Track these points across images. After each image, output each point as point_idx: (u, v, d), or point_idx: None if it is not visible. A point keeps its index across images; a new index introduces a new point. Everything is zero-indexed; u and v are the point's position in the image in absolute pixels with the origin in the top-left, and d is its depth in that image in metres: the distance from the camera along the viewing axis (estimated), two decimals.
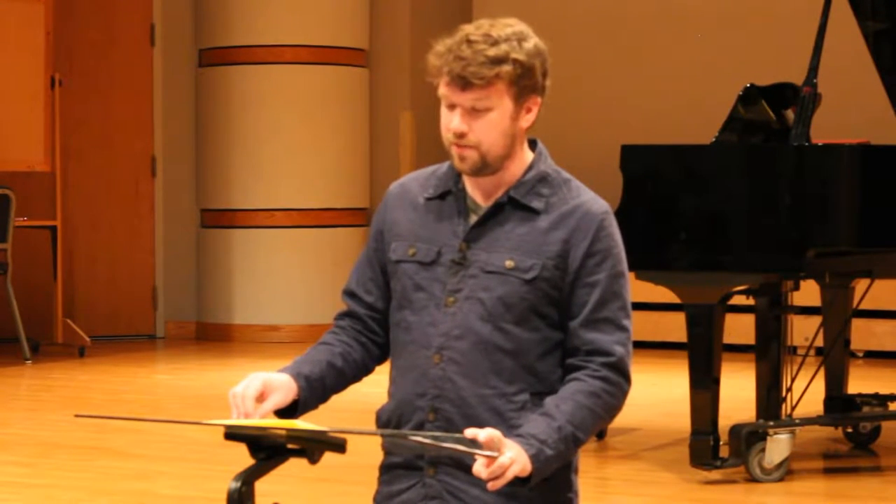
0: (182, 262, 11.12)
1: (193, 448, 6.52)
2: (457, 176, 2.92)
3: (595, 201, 2.89)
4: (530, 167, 2.90)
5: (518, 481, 2.68)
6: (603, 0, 11.42)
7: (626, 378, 2.86)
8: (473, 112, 2.80)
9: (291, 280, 10.48)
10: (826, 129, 6.59)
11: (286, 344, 10.33)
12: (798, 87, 6.10)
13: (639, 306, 9.58)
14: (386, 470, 2.96)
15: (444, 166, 2.96)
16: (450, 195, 2.92)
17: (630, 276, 6.04)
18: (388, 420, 2.94)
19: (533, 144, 2.95)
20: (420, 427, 2.86)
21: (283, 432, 2.56)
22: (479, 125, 2.81)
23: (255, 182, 10.74)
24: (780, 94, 6.39)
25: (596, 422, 2.81)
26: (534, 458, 2.70)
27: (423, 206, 2.94)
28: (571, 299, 2.84)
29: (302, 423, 2.68)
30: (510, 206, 2.87)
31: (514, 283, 2.83)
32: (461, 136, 2.81)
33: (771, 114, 6.37)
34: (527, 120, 2.86)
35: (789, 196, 5.79)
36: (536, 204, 2.86)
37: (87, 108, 10.88)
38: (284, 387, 2.89)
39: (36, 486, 5.91)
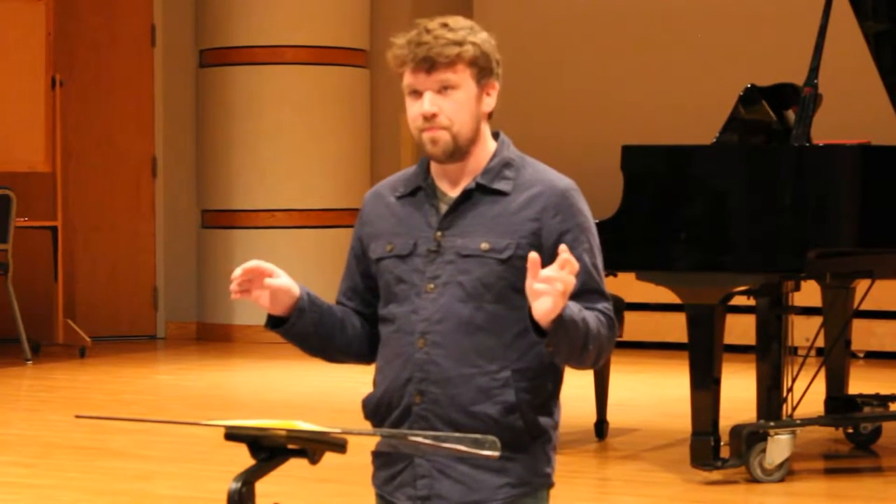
0: (183, 262, 11.12)
1: (193, 448, 6.52)
2: (425, 172, 3.02)
3: (560, 179, 2.99)
4: (494, 155, 3.01)
5: (537, 333, 2.76)
6: (603, 0, 11.42)
7: (615, 329, 2.95)
8: (442, 93, 2.92)
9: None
10: (826, 129, 6.59)
11: (286, 344, 10.28)
12: (799, 87, 6.10)
13: (639, 306, 9.63)
14: (376, 456, 3.05)
15: (413, 167, 3.07)
16: (420, 190, 3.02)
17: (630, 277, 6.02)
18: (376, 408, 3.02)
19: (495, 135, 3.05)
20: (407, 410, 2.95)
21: (284, 432, 2.56)
22: (449, 105, 2.92)
23: (255, 182, 10.75)
24: (781, 95, 6.39)
25: (598, 335, 2.87)
26: (562, 311, 2.75)
27: (396, 205, 3.04)
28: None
29: (302, 424, 2.68)
30: (479, 192, 2.97)
31: (491, 264, 2.92)
32: (432, 117, 2.91)
33: (772, 114, 6.37)
34: (487, 104, 2.98)
35: (790, 196, 5.79)
36: (503, 186, 2.97)
37: (87, 109, 10.88)
38: (290, 281, 2.97)
39: (36, 487, 5.91)
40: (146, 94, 11.10)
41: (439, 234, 2.96)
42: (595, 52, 11.36)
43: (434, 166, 3.01)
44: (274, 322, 3.02)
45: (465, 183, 2.98)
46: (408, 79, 2.94)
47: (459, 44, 2.91)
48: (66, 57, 10.54)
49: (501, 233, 2.93)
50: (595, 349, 2.88)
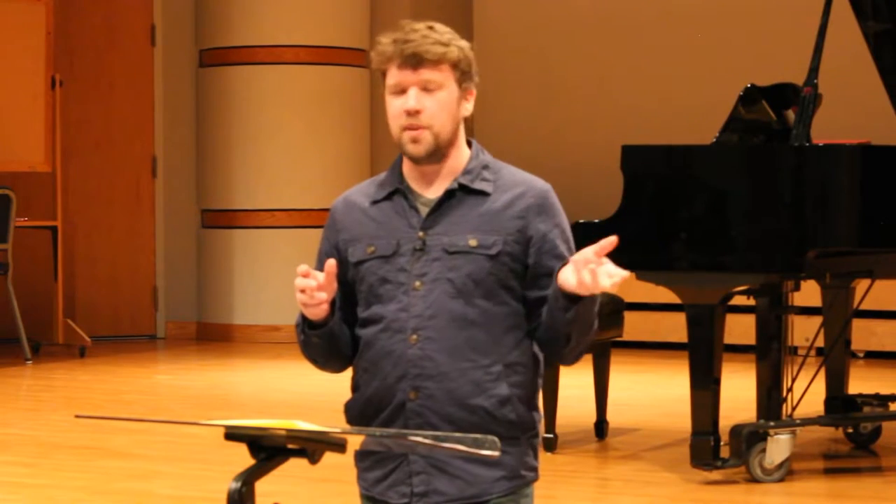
0: (183, 262, 11.12)
1: (193, 448, 6.52)
2: (400, 175, 3.07)
3: (538, 180, 3.08)
4: (472, 158, 3.07)
5: (569, 301, 2.88)
6: (603, 1, 11.42)
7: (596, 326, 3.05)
8: (425, 92, 2.98)
9: (292, 280, 10.41)
10: (826, 129, 6.59)
11: (286, 344, 10.33)
12: (799, 87, 6.10)
13: (639, 306, 9.63)
14: (362, 457, 3.07)
15: (383, 174, 3.12)
16: (396, 194, 3.06)
17: (630, 277, 6.06)
18: (363, 409, 3.05)
19: (468, 143, 3.11)
20: (400, 407, 2.98)
21: (283, 432, 2.56)
22: (432, 104, 2.98)
23: (255, 182, 10.75)
24: (781, 95, 6.39)
25: (592, 325, 2.98)
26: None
27: (372, 210, 3.07)
28: (538, 270, 3.00)
29: (302, 424, 2.68)
30: (461, 192, 3.03)
31: (480, 260, 2.97)
32: (415, 113, 2.97)
33: (771, 114, 6.37)
34: (466, 109, 3.04)
35: (790, 196, 5.79)
36: (485, 187, 3.03)
37: (87, 109, 10.88)
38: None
39: (36, 486, 5.91)
40: (146, 94, 11.10)
41: (422, 233, 3.00)
42: (595, 53, 11.36)
43: (408, 170, 3.06)
44: (311, 323, 3.05)
45: (443, 184, 3.03)
46: (392, 77, 3.00)
47: (445, 45, 2.98)
48: (66, 57, 10.54)
49: (488, 230, 2.98)
50: (587, 338, 2.99)
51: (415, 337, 2.97)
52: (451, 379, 2.95)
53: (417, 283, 2.98)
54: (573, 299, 2.87)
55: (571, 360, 3.05)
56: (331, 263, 2.94)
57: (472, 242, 2.97)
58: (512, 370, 2.99)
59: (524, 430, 3.01)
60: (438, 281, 2.97)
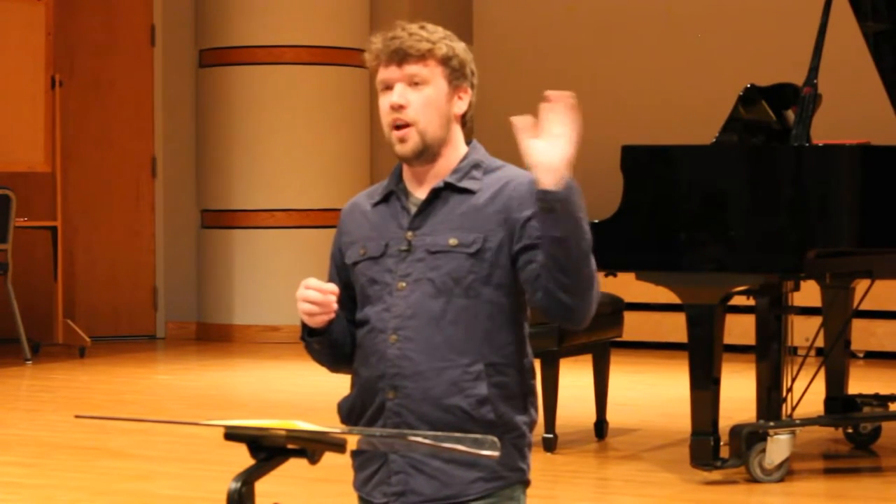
0: (182, 262, 11.12)
1: (193, 448, 6.52)
2: (398, 177, 3.08)
3: (526, 174, 3.01)
4: (465, 157, 3.06)
5: (541, 194, 2.80)
6: (603, 0, 11.42)
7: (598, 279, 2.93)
8: (411, 86, 2.98)
9: (292, 280, 10.41)
10: (826, 129, 6.59)
11: (286, 344, 10.33)
12: (798, 87, 6.10)
13: (639, 306, 9.63)
14: (356, 455, 3.09)
15: (388, 178, 3.12)
16: (392, 195, 3.07)
17: (630, 277, 6.01)
18: (351, 408, 3.08)
19: (468, 143, 3.10)
20: (381, 407, 3.00)
21: (283, 432, 2.56)
22: (417, 99, 2.98)
23: (255, 182, 10.75)
24: (781, 95, 6.39)
25: (590, 254, 2.85)
26: (568, 182, 2.80)
27: (371, 212, 3.09)
28: (521, 255, 2.94)
29: (302, 424, 2.69)
30: (447, 191, 3.02)
31: (460, 258, 2.96)
32: (399, 108, 2.97)
33: (771, 114, 6.37)
34: (459, 106, 3.03)
35: (790, 196, 5.79)
36: (471, 185, 3.02)
37: (87, 109, 10.88)
38: None
39: (36, 487, 5.91)
40: (146, 94, 11.10)
41: (410, 233, 3.01)
42: (594, 53, 11.36)
43: (406, 171, 3.07)
44: (310, 331, 3.05)
45: (433, 184, 3.03)
46: (380, 74, 3.00)
47: (432, 42, 2.98)
48: (66, 57, 10.55)
49: (469, 228, 2.97)
50: (589, 269, 2.84)
51: (394, 337, 2.97)
52: (427, 378, 2.95)
53: (401, 284, 2.99)
54: (548, 195, 2.78)
55: (577, 311, 2.86)
56: (334, 289, 2.96)
57: (453, 241, 2.97)
58: (494, 370, 2.97)
59: (506, 432, 2.96)
60: (420, 281, 2.98)
